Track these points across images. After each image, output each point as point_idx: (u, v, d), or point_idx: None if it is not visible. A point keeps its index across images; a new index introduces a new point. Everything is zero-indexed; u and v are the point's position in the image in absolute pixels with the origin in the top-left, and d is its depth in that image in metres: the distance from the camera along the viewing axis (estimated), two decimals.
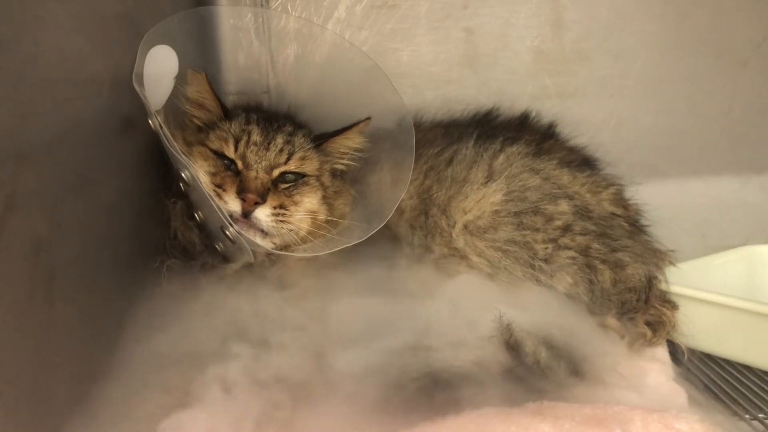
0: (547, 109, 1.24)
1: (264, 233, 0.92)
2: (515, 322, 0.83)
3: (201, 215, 0.95)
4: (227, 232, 0.88)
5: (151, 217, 0.96)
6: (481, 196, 0.98)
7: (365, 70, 1.05)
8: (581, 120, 1.25)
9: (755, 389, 0.94)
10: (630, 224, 1.06)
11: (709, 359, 1.02)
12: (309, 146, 0.99)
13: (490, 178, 1.00)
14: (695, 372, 0.98)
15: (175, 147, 0.86)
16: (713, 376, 0.98)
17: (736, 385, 0.96)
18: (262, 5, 1.20)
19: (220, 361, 0.81)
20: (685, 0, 1.25)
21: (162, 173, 0.97)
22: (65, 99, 0.74)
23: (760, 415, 0.88)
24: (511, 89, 1.26)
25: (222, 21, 1.18)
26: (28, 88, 0.67)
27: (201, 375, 0.79)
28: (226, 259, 0.96)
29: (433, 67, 1.26)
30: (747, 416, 0.88)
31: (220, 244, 0.95)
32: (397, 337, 0.84)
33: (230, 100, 1.17)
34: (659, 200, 1.13)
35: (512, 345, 0.81)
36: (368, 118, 0.99)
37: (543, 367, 0.79)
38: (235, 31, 1.18)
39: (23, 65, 0.66)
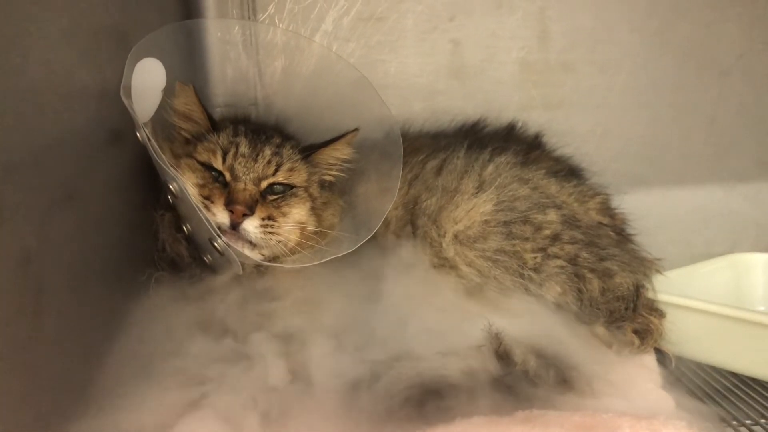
0: (533, 119, 1.25)
1: (252, 245, 0.92)
2: (504, 331, 0.83)
3: (189, 227, 0.95)
4: (216, 244, 0.88)
5: (140, 230, 0.96)
6: (472, 206, 0.98)
7: (353, 82, 1.06)
8: (567, 130, 1.26)
9: (743, 396, 0.95)
10: (617, 233, 1.06)
11: (696, 366, 1.02)
12: (297, 157, 0.99)
13: (480, 188, 1.00)
14: (683, 379, 0.98)
15: (162, 159, 0.86)
16: (701, 384, 0.98)
17: (724, 392, 0.96)
18: (249, 18, 1.20)
19: (208, 374, 0.81)
20: (668, 12, 1.27)
21: (150, 186, 0.97)
22: (53, 111, 0.74)
23: (747, 422, 0.89)
24: (498, 100, 1.27)
25: (209, 34, 1.18)
26: (15, 100, 0.66)
27: (189, 387, 0.79)
28: (214, 271, 0.96)
29: (420, 79, 1.27)
30: (734, 422, 0.88)
31: (209, 256, 0.94)
32: (386, 347, 0.84)
33: (218, 112, 1.17)
34: (645, 209, 1.14)
35: (501, 354, 0.81)
36: (356, 129, 0.99)
37: (532, 376, 0.79)
38: (223, 44, 1.19)
39: (10, 77, 0.66)
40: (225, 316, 0.90)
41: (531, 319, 0.90)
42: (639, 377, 0.90)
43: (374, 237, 0.94)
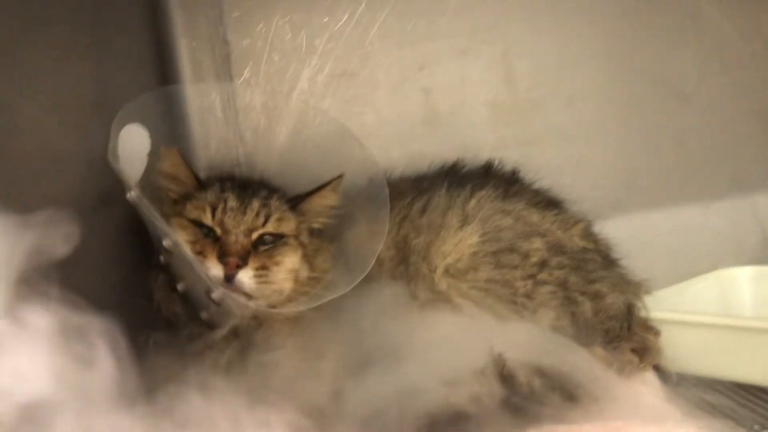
0: (509, 156, 1.27)
1: (248, 296, 0.93)
2: (505, 354, 0.84)
3: (183, 285, 0.95)
4: (212, 296, 0.88)
5: (134, 291, 0.96)
6: (459, 239, 1.00)
7: (333, 132, 1.09)
8: (542, 165, 1.28)
9: (746, 403, 0.96)
10: (602, 257, 1.08)
11: (697, 381, 1.02)
12: (285, 207, 1.01)
13: (464, 221, 1.02)
14: (684, 394, 0.99)
15: (154, 214, 0.86)
16: (703, 395, 0.98)
17: (726, 401, 0.97)
18: (226, 78, 1.23)
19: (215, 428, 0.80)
20: (625, 44, 1.33)
21: (142, 247, 0.98)
22: (45, 176, 0.76)
23: (756, 426, 0.89)
24: (473, 142, 1.30)
25: (189, 97, 1.20)
26: (8, 165, 0.68)
27: None
28: (211, 327, 0.95)
29: (395, 128, 1.30)
30: (742, 429, 0.88)
31: (205, 312, 0.94)
32: (390, 383, 0.84)
33: (203, 174, 1.19)
34: (627, 233, 1.16)
35: (506, 376, 0.81)
36: (341, 176, 1.02)
37: (538, 395, 0.80)
38: (203, 107, 1.21)
39: (3, 143, 0.67)
40: (226, 371, 0.89)
41: (530, 344, 0.91)
42: (643, 393, 0.91)
43: (370, 279, 0.95)
